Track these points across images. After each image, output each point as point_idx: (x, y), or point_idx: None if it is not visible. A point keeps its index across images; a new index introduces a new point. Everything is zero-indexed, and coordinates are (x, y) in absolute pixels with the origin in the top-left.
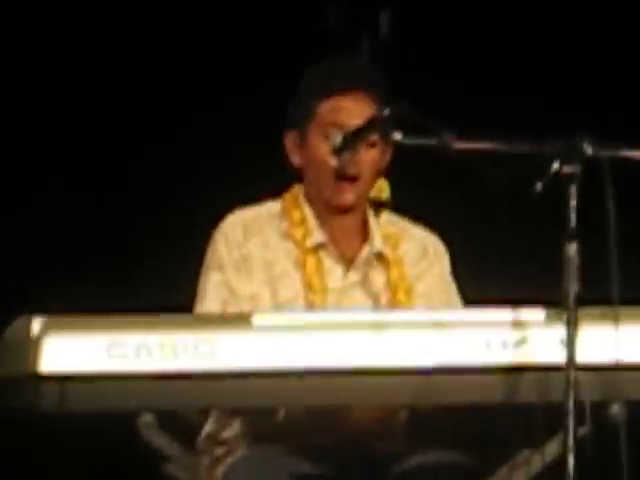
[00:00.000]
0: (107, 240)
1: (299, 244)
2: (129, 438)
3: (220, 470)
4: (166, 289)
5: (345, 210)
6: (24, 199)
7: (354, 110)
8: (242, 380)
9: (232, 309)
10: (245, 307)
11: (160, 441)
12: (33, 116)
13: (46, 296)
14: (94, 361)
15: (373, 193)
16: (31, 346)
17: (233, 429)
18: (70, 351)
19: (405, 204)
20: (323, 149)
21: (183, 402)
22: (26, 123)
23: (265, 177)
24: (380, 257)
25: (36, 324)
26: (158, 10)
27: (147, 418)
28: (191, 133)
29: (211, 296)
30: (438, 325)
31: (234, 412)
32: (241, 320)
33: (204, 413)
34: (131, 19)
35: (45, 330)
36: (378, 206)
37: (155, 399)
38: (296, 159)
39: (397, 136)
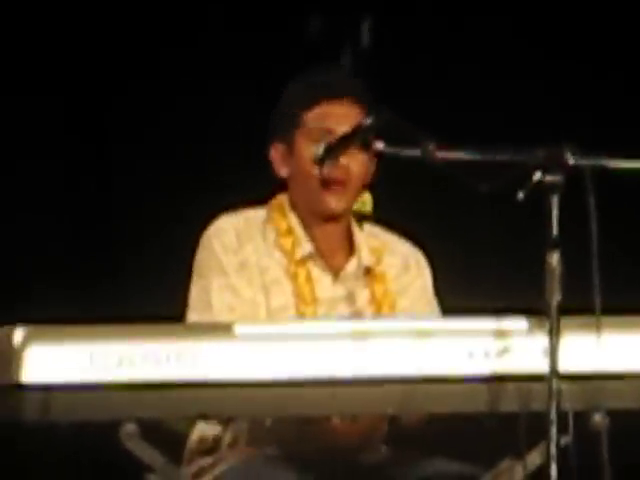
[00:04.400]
0: (90, 249)
1: (288, 254)
2: (112, 448)
3: None
4: (149, 297)
5: (332, 218)
6: (6, 210)
7: (342, 116)
8: (225, 389)
9: (239, 314)
10: (248, 311)
11: (143, 451)
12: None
13: (30, 305)
14: (77, 371)
15: (356, 206)
16: (14, 356)
17: (229, 435)
18: (53, 361)
19: (387, 215)
20: (311, 155)
21: (166, 411)
22: None
23: (247, 185)
24: (367, 271)
25: (19, 334)
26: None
27: (130, 428)
28: (175, 146)
29: (217, 302)
30: (421, 334)
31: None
32: (223, 329)
33: (188, 422)
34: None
35: (28, 340)
36: (361, 219)
37: (137, 408)
38: (282, 170)
39: (379, 145)
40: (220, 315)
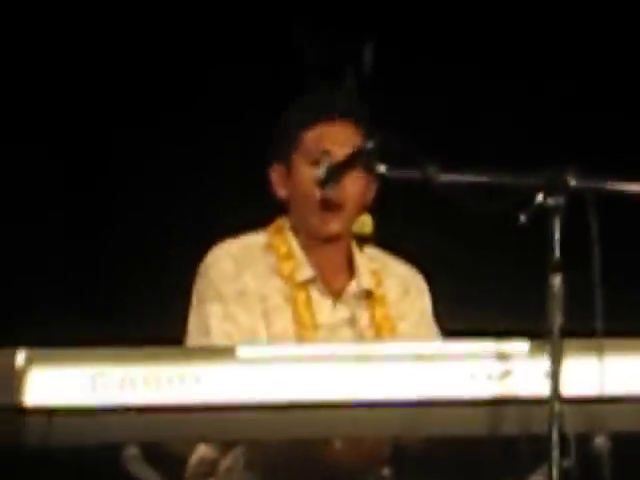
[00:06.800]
0: (91, 273)
1: (288, 279)
2: (114, 471)
3: None
4: (150, 322)
5: (331, 240)
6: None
7: (340, 137)
8: (227, 412)
9: (237, 341)
10: (246, 339)
11: (145, 473)
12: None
13: (31, 328)
14: (79, 394)
15: (357, 228)
16: (15, 379)
17: (228, 459)
18: (55, 384)
19: (387, 238)
20: (309, 177)
21: (168, 434)
22: None
23: (246, 210)
24: (367, 294)
25: (21, 357)
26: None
27: (132, 450)
28: (174, 166)
29: (215, 329)
30: (422, 357)
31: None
32: (225, 352)
33: (190, 445)
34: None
35: (30, 363)
36: (361, 241)
37: (140, 431)
38: (281, 191)
39: (381, 169)
40: (217, 342)
